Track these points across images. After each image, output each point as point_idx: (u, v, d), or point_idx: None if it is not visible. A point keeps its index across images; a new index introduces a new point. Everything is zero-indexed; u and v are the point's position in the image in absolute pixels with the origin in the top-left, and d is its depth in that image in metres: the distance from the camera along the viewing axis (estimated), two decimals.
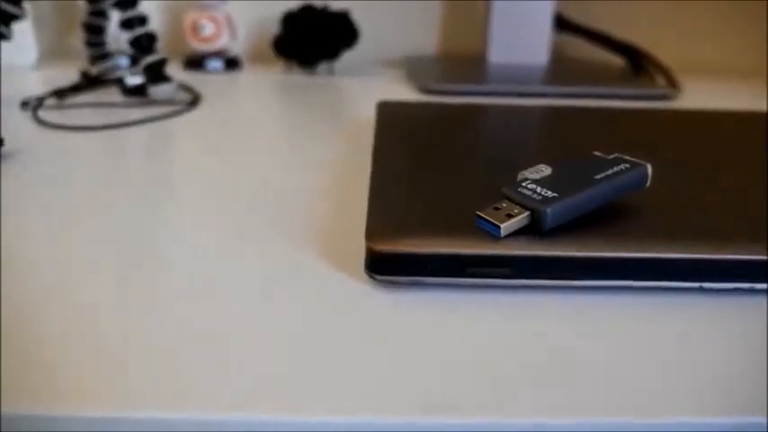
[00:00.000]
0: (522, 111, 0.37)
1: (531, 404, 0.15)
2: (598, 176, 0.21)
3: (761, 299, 0.20)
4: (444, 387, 0.15)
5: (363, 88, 0.51)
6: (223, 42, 0.54)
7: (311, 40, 0.53)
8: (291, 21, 0.54)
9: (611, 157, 0.22)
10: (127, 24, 0.41)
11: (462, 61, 0.58)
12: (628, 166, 0.22)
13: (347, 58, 0.62)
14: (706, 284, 0.20)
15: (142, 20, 0.42)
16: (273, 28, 0.62)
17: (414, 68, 0.55)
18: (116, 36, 0.50)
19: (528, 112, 0.37)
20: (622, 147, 0.30)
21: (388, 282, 0.20)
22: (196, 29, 0.53)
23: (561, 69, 0.55)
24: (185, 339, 0.17)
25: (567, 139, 0.32)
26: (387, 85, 0.52)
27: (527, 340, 0.17)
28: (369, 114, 0.42)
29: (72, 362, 0.16)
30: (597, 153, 0.23)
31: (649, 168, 0.22)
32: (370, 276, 0.20)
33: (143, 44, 0.41)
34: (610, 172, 0.21)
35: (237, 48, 0.62)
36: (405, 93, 0.49)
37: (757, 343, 0.17)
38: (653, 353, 0.17)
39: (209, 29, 0.53)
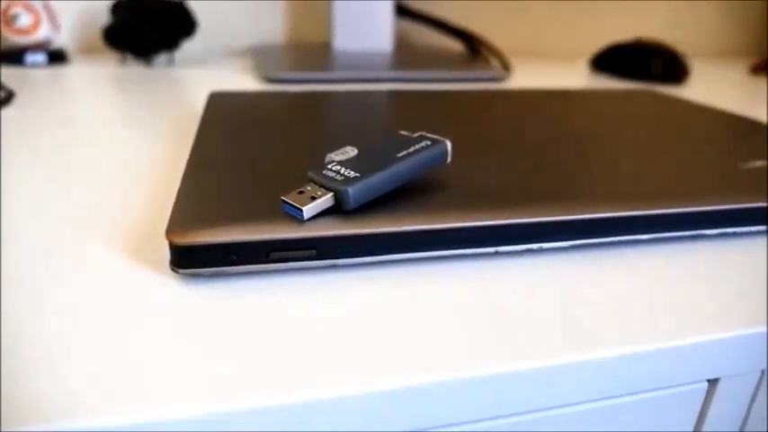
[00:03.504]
0: (360, 96, 0.38)
1: (339, 384, 0.15)
2: (400, 154, 0.22)
3: (548, 257, 0.22)
4: (252, 373, 0.15)
5: (205, 79, 0.49)
6: (43, 34, 0.50)
7: (144, 30, 0.50)
8: (121, 9, 0.50)
9: (415, 135, 0.23)
10: None
11: (308, 49, 0.58)
12: (429, 143, 0.23)
13: (191, 48, 0.59)
14: (501, 248, 0.21)
15: None
16: (103, 17, 0.58)
17: (259, 58, 0.54)
18: None
19: (365, 97, 0.38)
20: (446, 126, 0.32)
21: (194, 275, 0.19)
22: (9, 19, 0.48)
23: (404, 55, 0.57)
24: None
25: (398, 122, 0.33)
26: (230, 76, 0.50)
27: (335, 320, 0.18)
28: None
29: None
30: (403, 132, 0.24)
31: (449, 144, 0.23)
32: (174, 271, 0.19)
33: None
34: (412, 149, 0.22)
35: (63, 39, 0.57)
36: (248, 83, 0.48)
37: (550, 297, 0.19)
38: (462, 316, 0.18)
39: (24, 18, 0.48)
